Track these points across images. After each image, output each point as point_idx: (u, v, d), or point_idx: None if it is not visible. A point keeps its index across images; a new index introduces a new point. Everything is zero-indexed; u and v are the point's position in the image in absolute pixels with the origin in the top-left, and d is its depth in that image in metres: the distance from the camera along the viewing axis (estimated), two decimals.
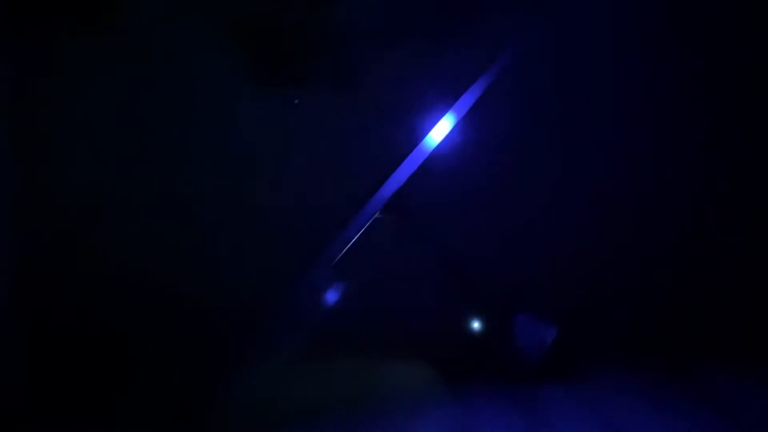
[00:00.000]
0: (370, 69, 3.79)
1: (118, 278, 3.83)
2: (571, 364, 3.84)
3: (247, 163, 3.87)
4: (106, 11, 3.63)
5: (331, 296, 3.91)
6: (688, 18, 3.91)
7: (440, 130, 3.75)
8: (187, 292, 3.86)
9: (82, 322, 3.78)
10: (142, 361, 3.70)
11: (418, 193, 3.81)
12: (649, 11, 3.91)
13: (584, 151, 4.03)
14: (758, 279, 4.02)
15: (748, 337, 3.91)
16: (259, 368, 3.56)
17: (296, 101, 3.81)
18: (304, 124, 3.85)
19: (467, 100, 3.78)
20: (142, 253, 3.85)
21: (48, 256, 3.79)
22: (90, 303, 3.80)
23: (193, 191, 3.86)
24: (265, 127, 3.85)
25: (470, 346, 4.02)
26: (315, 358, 3.89)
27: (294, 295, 3.50)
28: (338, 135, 3.87)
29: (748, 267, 4.05)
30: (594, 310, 4.07)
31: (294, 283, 3.48)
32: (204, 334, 3.76)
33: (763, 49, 3.93)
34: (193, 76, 3.77)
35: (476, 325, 4.05)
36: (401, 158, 3.62)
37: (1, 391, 3.48)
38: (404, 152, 3.63)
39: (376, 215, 3.60)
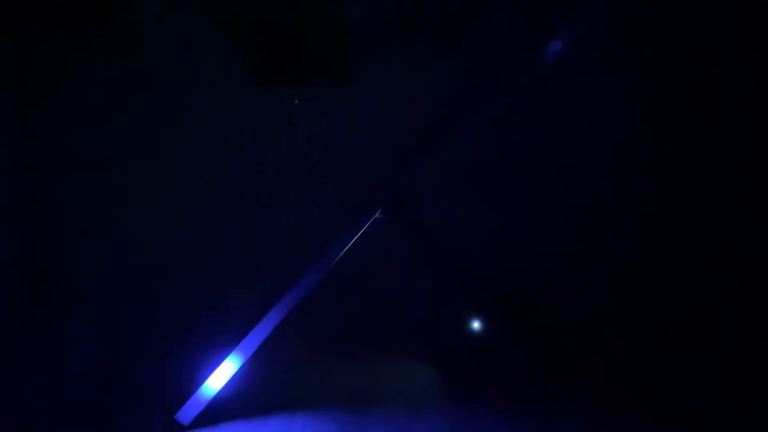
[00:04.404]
0: (372, 68, 3.80)
1: (116, 278, 3.83)
2: (572, 367, 3.84)
3: (247, 163, 3.87)
4: (105, 10, 3.64)
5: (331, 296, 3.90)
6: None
7: (440, 133, 3.75)
8: (185, 292, 3.86)
9: (81, 322, 3.79)
10: (142, 361, 3.70)
11: (418, 193, 3.81)
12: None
13: (585, 150, 4.03)
14: (755, 282, 4.03)
15: (746, 340, 3.91)
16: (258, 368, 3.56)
17: (296, 101, 3.81)
18: (304, 124, 3.86)
19: (467, 101, 3.78)
20: (140, 253, 3.85)
21: (47, 256, 3.79)
22: (88, 304, 3.80)
23: (192, 191, 3.86)
24: (265, 126, 3.86)
25: (470, 346, 4.02)
26: (314, 358, 3.89)
27: (294, 295, 3.49)
28: (338, 134, 3.88)
29: (747, 269, 4.05)
30: (596, 314, 4.07)
31: (294, 283, 3.48)
32: (203, 335, 3.76)
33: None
34: (193, 76, 3.78)
35: (476, 325, 4.05)
36: (401, 158, 3.62)
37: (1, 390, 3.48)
38: (405, 152, 3.64)
39: (376, 215, 3.59)
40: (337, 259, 3.53)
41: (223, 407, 3.38)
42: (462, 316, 4.06)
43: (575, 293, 4.07)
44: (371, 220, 3.55)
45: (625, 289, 4.08)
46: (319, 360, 3.89)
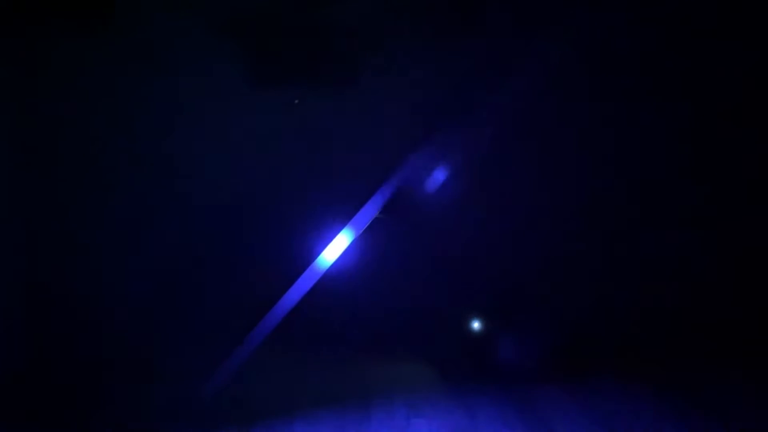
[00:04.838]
0: (371, 69, 3.80)
1: (114, 278, 3.85)
2: (569, 365, 3.85)
3: (247, 163, 3.88)
4: (107, 11, 3.64)
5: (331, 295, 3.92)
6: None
7: (439, 130, 3.76)
8: (185, 292, 3.87)
9: (79, 322, 3.80)
10: (135, 360, 3.72)
11: (417, 193, 3.82)
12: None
13: (585, 154, 4.04)
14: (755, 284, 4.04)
15: (745, 342, 3.92)
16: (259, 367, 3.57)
17: (296, 101, 3.82)
18: (305, 124, 3.86)
19: (467, 102, 3.79)
20: (140, 252, 3.86)
21: (46, 255, 3.80)
22: (87, 302, 3.81)
23: (193, 191, 3.87)
24: (265, 127, 3.87)
25: (470, 346, 4.03)
26: (315, 358, 3.90)
27: (294, 293, 3.50)
28: (338, 135, 3.88)
29: (748, 272, 4.05)
30: (593, 312, 4.07)
31: (294, 282, 3.49)
32: (203, 334, 3.77)
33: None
34: (193, 77, 3.78)
35: (476, 324, 4.06)
36: (401, 158, 3.63)
37: (2, 387, 3.50)
38: (405, 152, 3.64)
39: (376, 215, 3.60)
40: (336, 259, 3.54)
41: (223, 407, 3.40)
42: (461, 315, 4.07)
43: (574, 293, 4.08)
44: (371, 220, 3.56)
45: (623, 288, 4.10)
46: (319, 359, 3.90)
